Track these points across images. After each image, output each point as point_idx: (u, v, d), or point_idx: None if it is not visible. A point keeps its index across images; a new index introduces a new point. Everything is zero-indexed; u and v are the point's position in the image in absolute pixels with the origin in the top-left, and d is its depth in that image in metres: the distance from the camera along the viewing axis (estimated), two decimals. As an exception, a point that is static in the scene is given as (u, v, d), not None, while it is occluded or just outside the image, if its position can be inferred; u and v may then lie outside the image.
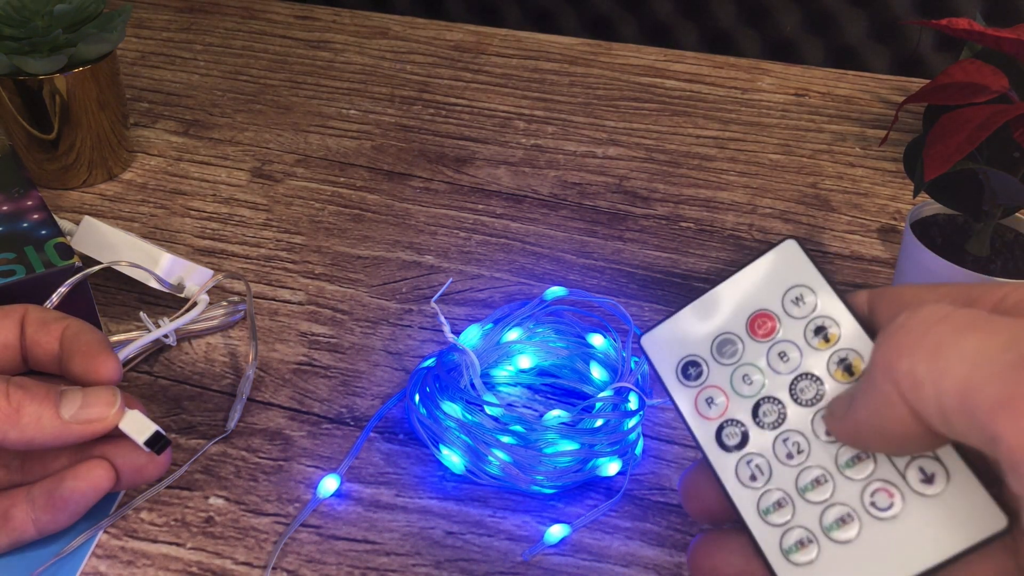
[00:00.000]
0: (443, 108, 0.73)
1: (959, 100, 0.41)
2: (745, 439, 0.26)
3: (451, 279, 0.54)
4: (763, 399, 0.27)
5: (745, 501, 0.26)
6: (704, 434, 0.27)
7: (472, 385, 0.43)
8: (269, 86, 0.75)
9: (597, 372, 0.45)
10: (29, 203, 0.47)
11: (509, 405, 0.43)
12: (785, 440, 0.26)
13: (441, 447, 0.41)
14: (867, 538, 0.24)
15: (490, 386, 0.46)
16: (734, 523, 0.26)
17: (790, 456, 0.26)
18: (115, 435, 0.35)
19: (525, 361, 0.46)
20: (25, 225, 0.46)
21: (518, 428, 0.40)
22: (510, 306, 0.46)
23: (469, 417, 0.40)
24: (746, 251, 0.57)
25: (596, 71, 0.80)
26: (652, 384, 0.43)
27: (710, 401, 0.27)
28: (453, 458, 0.41)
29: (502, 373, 0.46)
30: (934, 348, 0.21)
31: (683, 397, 0.28)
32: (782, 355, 0.27)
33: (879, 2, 0.88)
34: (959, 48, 0.88)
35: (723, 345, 0.28)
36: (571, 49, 0.83)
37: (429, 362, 0.44)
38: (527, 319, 0.46)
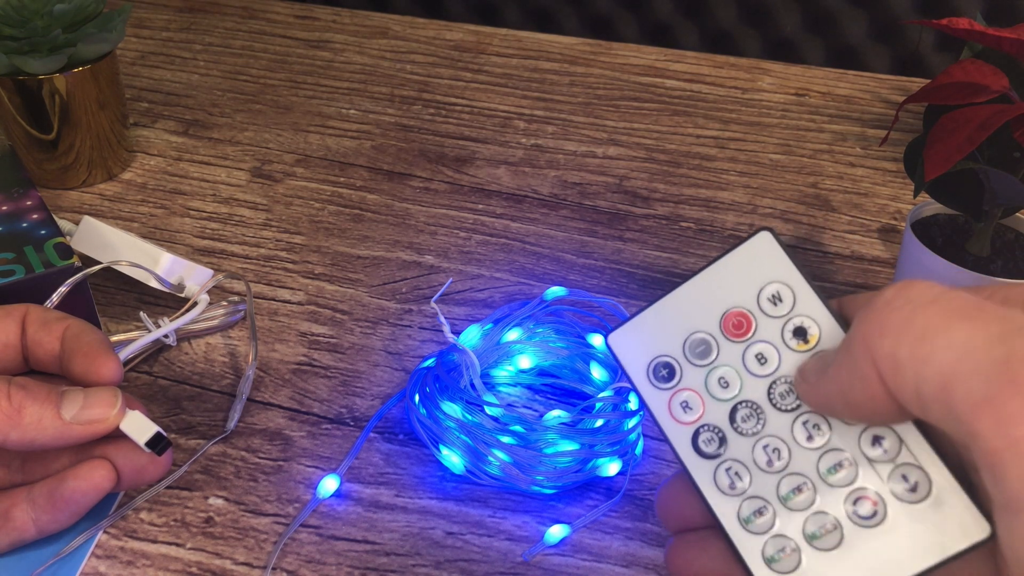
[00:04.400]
0: (443, 108, 0.73)
1: (959, 100, 0.41)
2: (723, 445, 0.26)
3: (451, 279, 0.54)
4: (740, 403, 0.26)
5: (725, 509, 0.25)
6: (680, 439, 0.26)
7: (472, 385, 0.43)
8: (269, 86, 0.75)
9: (597, 372, 0.45)
10: (28, 203, 0.47)
11: (509, 405, 0.43)
12: (765, 446, 0.25)
13: (441, 447, 0.41)
14: (850, 546, 0.24)
15: (490, 386, 0.46)
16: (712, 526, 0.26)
17: (770, 463, 0.25)
18: (116, 435, 0.35)
19: (525, 361, 0.46)
20: (25, 225, 0.46)
21: (518, 428, 0.40)
22: (510, 306, 0.46)
23: (469, 417, 0.40)
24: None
25: (596, 71, 0.80)
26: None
27: (685, 405, 0.26)
28: (453, 458, 0.41)
29: (502, 373, 0.46)
30: (920, 332, 0.20)
31: (656, 400, 0.27)
32: (759, 357, 0.26)
33: (879, 2, 0.88)
34: (959, 48, 0.88)
35: (696, 345, 0.26)
36: (571, 49, 0.83)
37: (429, 362, 0.44)
38: (527, 319, 0.46)
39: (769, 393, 0.25)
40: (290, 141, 0.67)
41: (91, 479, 0.35)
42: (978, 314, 0.20)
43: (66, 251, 0.44)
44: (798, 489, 0.24)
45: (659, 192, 0.63)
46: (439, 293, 0.52)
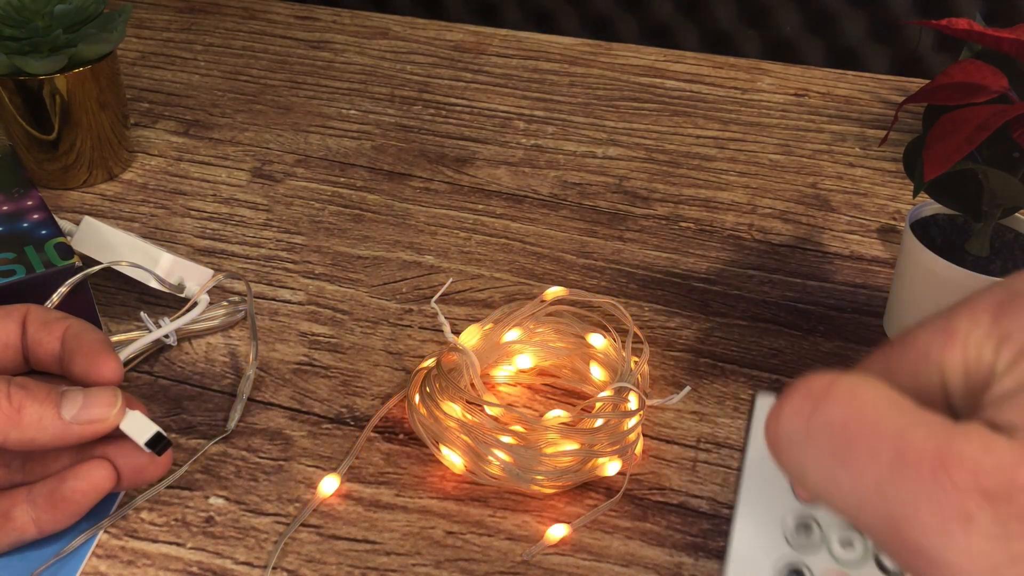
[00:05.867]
0: (443, 108, 0.73)
1: (959, 100, 0.41)
2: None
3: (451, 279, 0.54)
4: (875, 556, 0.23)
5: None
6: None
7: (472, 385, 0.43)
8: (269, 86, 0.75)
9: (597, 372, 0.45)
10: (29, 203, 0.47)
11: (509, 405, 0.43)
12: None
13: (441, 447, 0.41)
14: None
15: (490, 386, 0.46)
16: None
17: None
18: (116, 435, 0.35)
19: (525, 361, 0.46)
20: (25, 225, 0.46)
21: (518, 428, 0.40)
22: (510, 306, 0.46)
23: (469, 417, 0.40)
24: (746, 251, 0.57)
25: (596, 71, 0.80)
26: (652, 384, 0.43)
27: None
28: (453, 458, 0.41)
29: (502, 373, 0.46)
30: (816, 483, 0.19)
31: None
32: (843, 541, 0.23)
33: (879, 2, 0.88)
34: (959, 48, 0.88)
35: (798, 529, 0.24)
36: (571, 49, 0.83)
37: (429, 362, 0.44)
38: (527, 319, 0.46)
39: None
40: (290, 141, 0.67)
41: (91, 479, 0.35)
42: (852, 450, 0.18)
43: (67, 251, 0.44)
44: None
45: (659, 192, 0.63)
46: (439, 293, 0.52)
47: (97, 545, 0.37)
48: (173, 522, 0.39)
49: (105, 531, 0.38)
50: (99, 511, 0.38)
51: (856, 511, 0.18)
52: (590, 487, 0.41)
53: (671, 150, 0.68)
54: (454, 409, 0.40)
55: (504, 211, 0.60)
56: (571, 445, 0.39)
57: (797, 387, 0.20)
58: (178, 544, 0.38)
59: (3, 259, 0.43)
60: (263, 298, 0.52)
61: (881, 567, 0.23)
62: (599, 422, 0.41)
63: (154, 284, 0.47)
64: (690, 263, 0.56)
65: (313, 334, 0.49)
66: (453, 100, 0.74)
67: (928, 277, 0.46)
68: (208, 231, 0.57)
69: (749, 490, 0.24)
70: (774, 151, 0.69)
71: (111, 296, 0.51)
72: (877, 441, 0.18)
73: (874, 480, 0.18)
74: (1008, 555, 0.16)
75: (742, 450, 0.25)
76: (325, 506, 0.40)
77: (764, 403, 0.25)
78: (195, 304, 0.46)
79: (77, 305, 0.43)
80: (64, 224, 0.52)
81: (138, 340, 0.45)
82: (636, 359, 0.44)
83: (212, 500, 0.40)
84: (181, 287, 0.48)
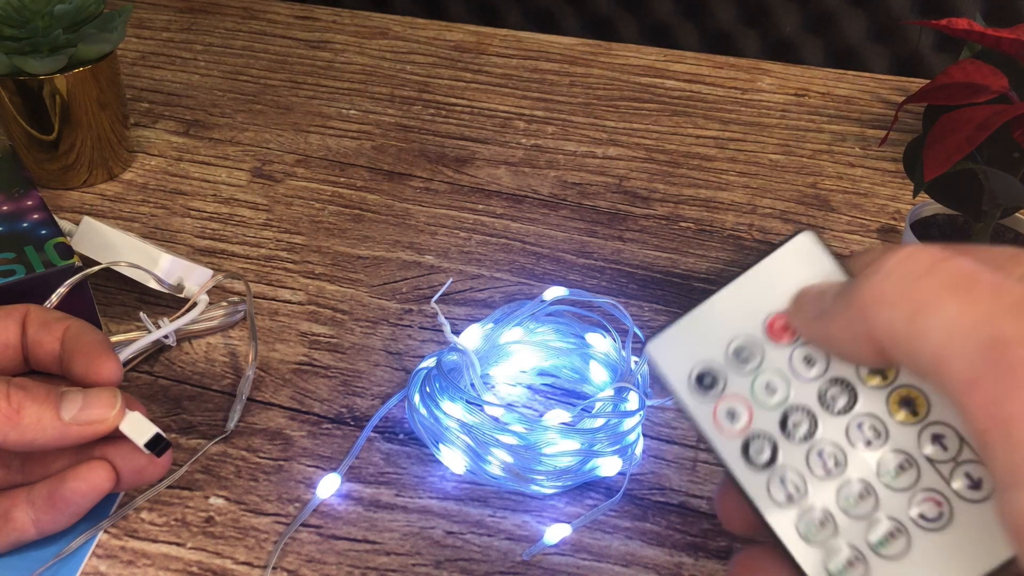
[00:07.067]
0: (443, 108, 0.73)
1: (959, 100, 0.41)
2: (775, 454, 0.24)
3: (451, 279, 0.54)
4: (790, 409, 0.25)
5: (782, 523, 0.24)
6: (729, 451, 0.25)
7: (472, 385, 0.43)
8: (269, 86, 0.75)
9: (597, 372, 0.45)
10: (29, 203, 0.47)
11: (509, 405, 0.43)
12: (820, 453, 0.24)
13: (441, 447, 0.41)
14: (918, 551, 0.23)
15: (490, 386, 0.46)
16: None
17: (827, 471, 0.24)
18: (116, 436, 0.35)
19: (525, 361, 0.46)
20: (25, 225, 0.46)
21: (518, 428, 0.40)
22: (510, 306, 0.46)
23: (469, 417, 0.40)
24: (746, 251, 0.57)
25: (596, 71, 0.80)
26: (653, 384, 0.43)
27: (731, 414, 0.25)
28: (453, 458, 0.41)
29: (502, 373, 0.46)
30: (914, 308, 0.21)
31: (700, 410, 0.25)
32: (807, 359, 0.25)
33: (879, 2, 0.88)
34: (959, 48, 0.88)
35: (740, 351, 0.25)
36: (571, 49, 0.83)
37: (429, 362, 0.44)
38: (527, 319, 0.46)
39: (820, 397, 0.24)
40: (290, 141, 0.67)
41: (90, 480, 0.35)
42: (968, 288, 0.20)
43: (66, 251, 0.44)
44: (859, 496, 0.24)
45: (659, 192, 0.63)
46: (439, 293, 0.52)
47: (97, 545, 0.37)
48: (173, 522, 0.39)
49: (105, 531, 0.38)
50: (99, 511, 0.38)
51: (946, 337, 0.20)
52: (590, 487, 0.41)
53: (671, 150, 0.68)
54: (454, 409, 0.40)
55: (504, 211, 0.60)
56: (571, 445, 0.39)
57: (911, 248, 0.22)
58: (178, 544, 0.38)
59: (3, 259, 0.43)
60: (263, 298, 0.52)
61: (783, 426, 0.25)
62: (599, 422, 0.41)
63: (154, 284, 0.47)
64: (690, 263, 0.56)
65: (313, 334, 0.49)
66: (453, 100, 0.74)
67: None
68: (208, 231, 0.57)
69: (737, 287, 0.26)
70: (774, 151, 0.69)
71: (111, 296, 0.51)
72: (1003, 281, 0.20)
73: (986, 310, 0.20)
74: None
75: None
76: (325, 506, 0.40)
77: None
78: (195, 304, 0.46)
79: (77, 305, 0.43)
80: (64, 224, 0.52)
81: (138, 340, 0.45)
82: (636, 359, 0.44)
83: (212, 500, 0.40)
84: (181, 287, 0.48)
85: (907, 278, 0.21)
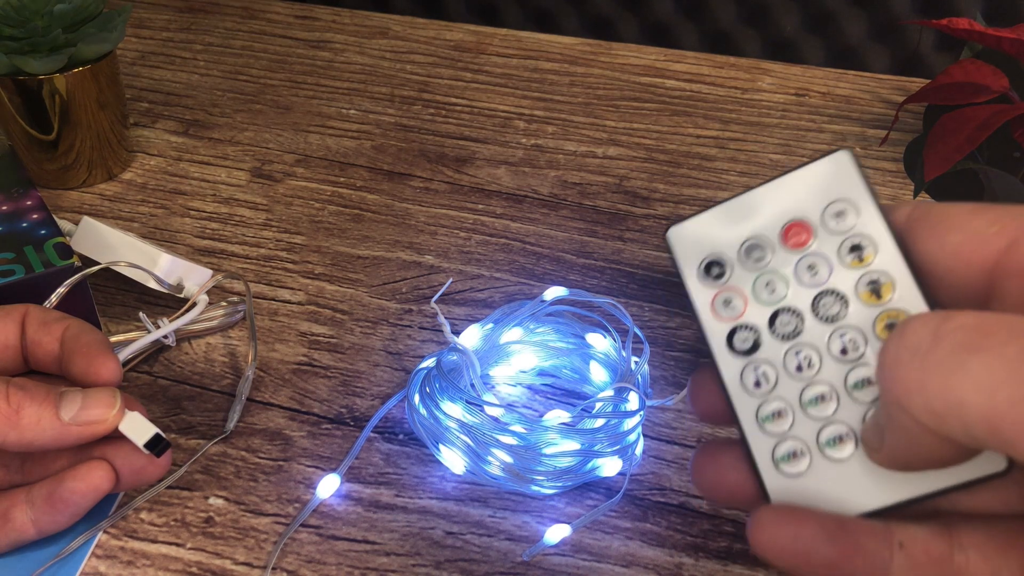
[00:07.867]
0: (443, 108, 0.73)
1: (959, 100, 0.41)
2: (756, 346, 0.26)
3: (451, 279, 0.54)
4: (783, 309, 0.26)
5: (745, 406, 0.26)
6: (716, 334, 0.27)
7: (472, 385, 0.43)
8: (269, 86, 0.75)
9: (597, 372, 0.45)
10: (29, 203, 0.47)
11: (509, 405, 0.43)
12: (797, 353, 0.25)
13: (441, 447, 0.41)
14: (860, 460, 0.24)
15: (490, 386, 0.46)
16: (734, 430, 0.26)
17: (799, 369, 0.25)
18: (115, 436, 0.35)
19: (525, 361, 0.46)
20: (24, 225, 0.46)
21: (518, 428, 0.40)
22: (510, 306, 0.46)
23: (469, 417, 0.40)
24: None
25: (596, 71, 0.80)
26: (652, 384, 0.43)
27: (728, 302, 0.27)
28: (453, 458, 0.41)
29: (502, 373, 0.46)
30: (943, 382, 0.20)
31: (701, 295, 0.27)
32: (811, 268, 0.26)
33: (879, 2, 0.88)
34: (959, 48, 0.88)
35: (752, 249, 0.27)
36: (571, 49, 0.83)
37: (429, 362, 0.44)
38: (527, 319, 0.46)
39: (814, 303, 0.26)
40: (290, 141, 0.67)
41: (90, 480, 0.35)
42: (986, 340, 0.19)
43: (66, 251, 0.44)
44: (821, 398, 0.25)
45: (659, 192, 0.63)
46: (439, 293, 0.52)
47: (97, 545, 0.37)
48: (173, 522, 0.39)
49: (105, 531, 0.38)
50: (98, 512, 0.38)
51: (988, 394, 0.19)
52: (590, 487, 0.41)
53: (671, 150, 0.68)
54: (454, 409, 0.40)
55: (504, 211, 0.60)
56: (571, 445, 0.39)
57: (908, 320, 0.21)
58: (178, 544, 0.38)
59: (2, 259, 0.43)
60: (263, 298, 0.51)
61: (772, 323, 0.26)
62: (599, 422, 0.41)
63: (153, 284, 0.47)
64: (690, 263, 0.56)
65: (313, 334, 0.49)
66: (453, 100, 0.74)
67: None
68: (208, 231, 0.57)
69: (764, 191, 0.27)
70: (774, 151, 0.69)
71: (110, 296, 0.51)
72: (1008, 317, 0.20)
73: (1015, 351, 0.19)
74: None
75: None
76: (325, 506, 0.40)
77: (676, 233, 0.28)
78: (194, 304, 0.46)
79: (76, 305, 0.43)
80: (63, 224, 0.52)
81: (137, 340, 0.45)
82: (636, 359, 0.44)
83: (212, 500, 0.40)
84: (180, 287, 0.48)
85: (918, 357, 0.20)
